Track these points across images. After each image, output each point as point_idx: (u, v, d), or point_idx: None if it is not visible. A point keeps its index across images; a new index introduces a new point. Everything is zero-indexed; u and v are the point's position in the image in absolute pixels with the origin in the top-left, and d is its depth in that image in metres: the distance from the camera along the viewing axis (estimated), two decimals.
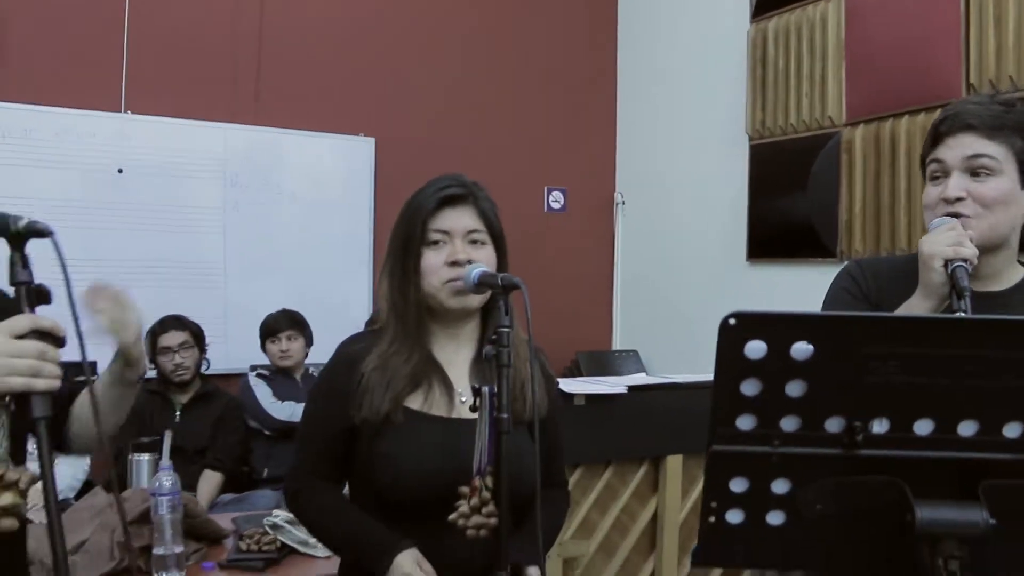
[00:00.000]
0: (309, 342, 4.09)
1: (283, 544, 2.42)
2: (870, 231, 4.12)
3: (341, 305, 4.76)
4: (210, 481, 3.63)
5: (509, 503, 1.49)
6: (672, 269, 5.39)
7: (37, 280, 1.20)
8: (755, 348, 1.03)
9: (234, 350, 4.40)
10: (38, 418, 1.14)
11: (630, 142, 5.83)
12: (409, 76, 5.22)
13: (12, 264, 1.19)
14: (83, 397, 1.56)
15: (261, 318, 4.11)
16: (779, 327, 1.03)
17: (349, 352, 1.78)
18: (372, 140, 5.04)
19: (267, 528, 2.43)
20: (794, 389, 1.06)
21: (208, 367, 3.93)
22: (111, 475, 1.26)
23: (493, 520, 1.49)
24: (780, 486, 1.12)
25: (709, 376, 1.06)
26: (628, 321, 5.82)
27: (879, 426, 1.07)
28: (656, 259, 5.55)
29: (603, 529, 3.22)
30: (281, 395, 3.90)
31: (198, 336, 3.84)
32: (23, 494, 1.14)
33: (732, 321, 1.02)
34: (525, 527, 1.63)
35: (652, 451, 3.28)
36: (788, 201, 4.57)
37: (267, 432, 3.84)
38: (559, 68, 5.67)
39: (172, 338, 3.76)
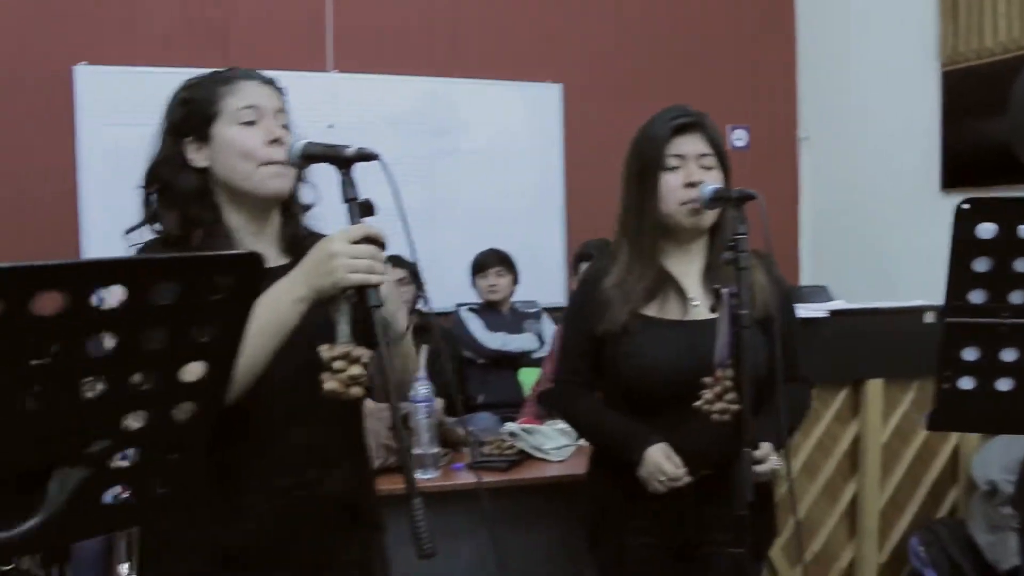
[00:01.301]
0: (516, 279, 4.40)
1: (520, 450, 2.75)
2: None
3: (536, 250, 5.00)
4: None
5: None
6: (861, 203, 5.39)
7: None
8: (986, 229, 1.20)
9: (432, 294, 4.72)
10: (374, 306, 1.45)
11: (813, 76, 5.82)
12: (592, 20, 5.40)
13: (344, 185, 1.50)
14: None
15: (459, 264, 4.42)
16: (1008, 209, 1.20)
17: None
18: (560, 86, 5.27)
19: (505, 436, 2.76)
20: (1022, 265, 1.22)
21: (427, 303, 4.29)
22: (395, 415, 1.54)
23: (735, 406, 1.72)
24: (1009, 355, 1.28)
25: (909, 303, 1.24)
26: (815, 257, 5.86)
27: None
28: (844, 193, 5.55)
29: (806, 450, 3.38)
30: (492, 327, 4.24)
31: (414, 273, 4.20)
32: (366, 367, 1.45)
33: (966, 205, 1.20)
34: (763, 412, 1.85)
35: (853, 375, 3.39)
36: (986, 127, 4.50)
37: (480, 361, 4.19)
38: (737, 2, 5.72)
39: (391, 274, 4.14)
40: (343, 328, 1.46)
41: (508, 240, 4.77)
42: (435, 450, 2.52)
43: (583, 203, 5.18)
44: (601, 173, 5.07)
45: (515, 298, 4.46)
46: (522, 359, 4.22)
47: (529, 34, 5.28)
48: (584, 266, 3.61)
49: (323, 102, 4.77)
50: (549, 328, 4.35)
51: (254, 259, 1.00)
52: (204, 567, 1.55)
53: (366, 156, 1.49)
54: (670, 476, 1.85)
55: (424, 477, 2.50)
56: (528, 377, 4.06)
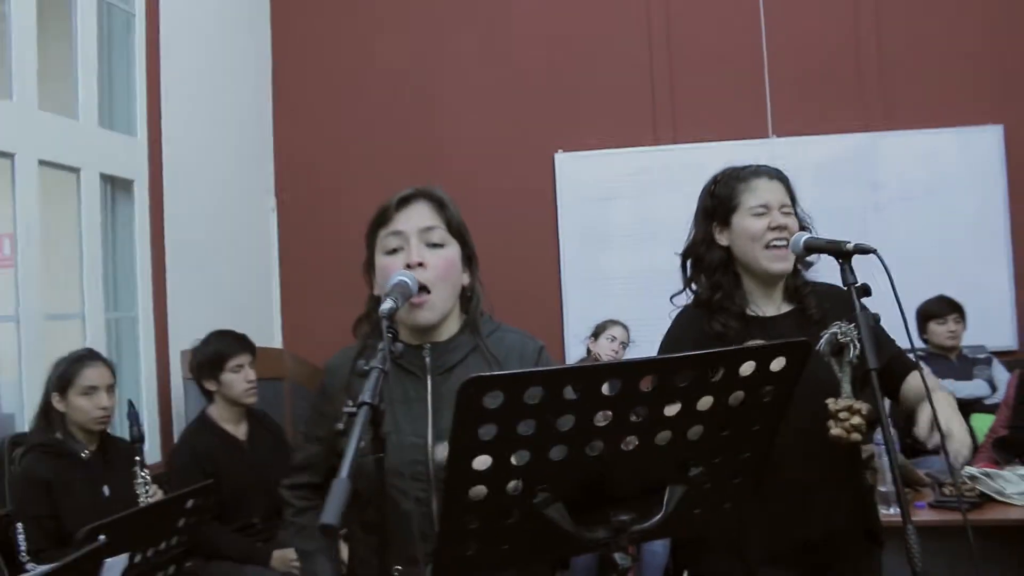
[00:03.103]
0: (965, 326, 4.41)
1: (980, 492, 2.85)
2: None
3: (979, 293, 4.83)
4: None
5: None
6: None
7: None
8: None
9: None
10: (872, 369, 1.74)
11: None
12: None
13: (843, 272, 1.82)
14: None
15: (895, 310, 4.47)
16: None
17: None
18: (1000, 128, 5.13)
19: (965, 478, 2.89)
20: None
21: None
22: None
23: None
24: None
25: None
26: None
27: None
28: None
29: None
30: (939, 374, 4.26)
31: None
32: (865, 419, 1.76)
33: None
34: None
35: None
36: None
37: None
38: None
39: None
40: (846, 387, 1.79)
41: (948, 284, 4.69)
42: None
43: None
44: None
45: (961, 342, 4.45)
46: (974, 405, 4.19)
47: (964, 78, 5.19)
48: None
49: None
50: (1001, 374, 4.27)
51: (804, 347, 1.38)
52: (738, 563, 1.95)
53: (863, 250, 1.80)
54: None
55: (888, 513, 2.71)
56: (980, 423, 4.03)
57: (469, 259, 1.84)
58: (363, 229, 1.85)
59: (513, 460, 1.30)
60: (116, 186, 4.17)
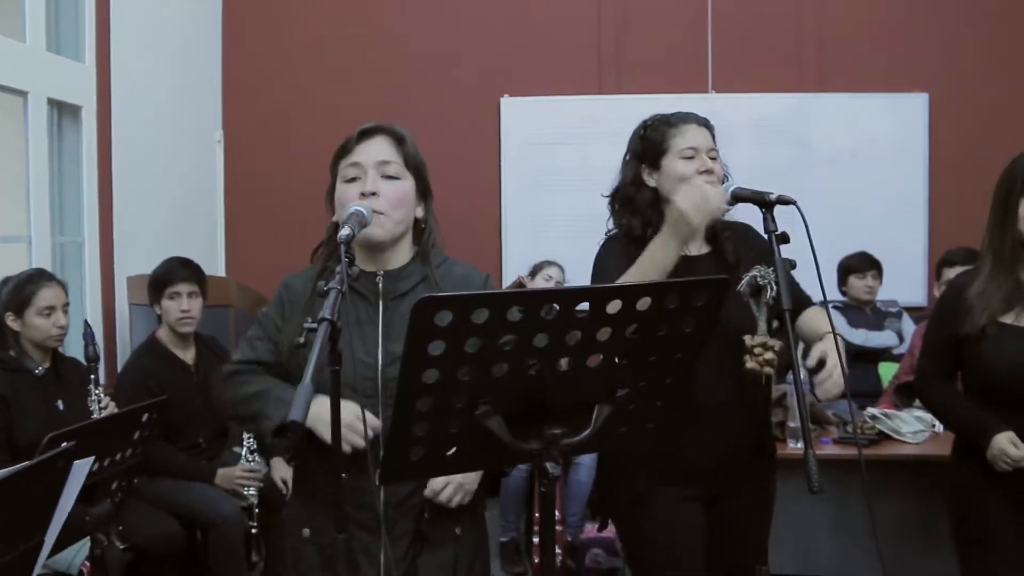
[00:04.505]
0: (881, 282, 4.64)
1: (879, 431, 3.09)
2: None
3: (897, 253, 5.03)
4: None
5: None
6: None
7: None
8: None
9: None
10: (787, 309, 1.90)
11: None
12: (959, 29, 5.38)
13: (765, 220, 1.96)
14: None
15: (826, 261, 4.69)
16: None
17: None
18: (925, 96, 5.36)
19: (867, 418, 3.12)
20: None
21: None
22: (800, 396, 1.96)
23: None
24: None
25: None
26: None
27: None
28: None
29: None
30: (854, 324, 4.51)
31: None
32: (777, 355, 1.93)
33: None
34: None
35: None
36: None
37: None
38: None
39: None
40: (761, 325, 1.95)
41: (868, 242, 4.86)
42: (807, 425, 2.93)
43: (946, 209, 5.26)
44: (966, 182, 5.18)
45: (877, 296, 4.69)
46: (883, 354, 4.45)
47: (895, 46, 5.39)
48: (947, 271, 3.81)
49: None
50: (909, 326, 4.52)
51: (723, 283, 1.52)
52: (656, 480, 2.12)
53: (784, 201, 1.95)
54: (1013, 459, 2.15)
55: (796, 447, 2.93)
56: (887, 371, 4.28)
57: (424, 194, 1.94)
58: (307, 164, 1.95)
59: (459, 375, 1.42)
60: (64, 111, 4.13)
